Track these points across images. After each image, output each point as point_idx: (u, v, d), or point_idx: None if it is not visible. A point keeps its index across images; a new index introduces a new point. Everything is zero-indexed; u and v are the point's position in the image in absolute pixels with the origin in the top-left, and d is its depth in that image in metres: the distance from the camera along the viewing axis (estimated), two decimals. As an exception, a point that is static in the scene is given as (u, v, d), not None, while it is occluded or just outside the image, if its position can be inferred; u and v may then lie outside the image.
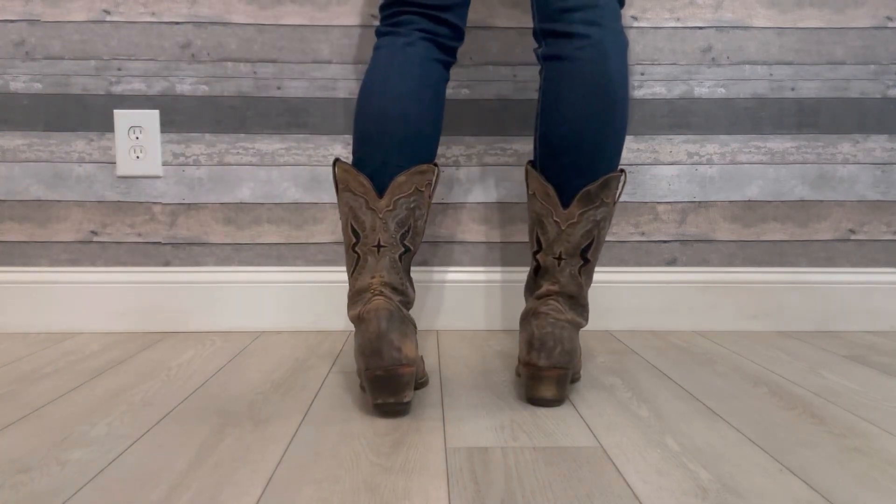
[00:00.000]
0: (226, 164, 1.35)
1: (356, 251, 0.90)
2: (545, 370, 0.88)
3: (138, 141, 1.33)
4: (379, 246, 0.89)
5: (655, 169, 1.36)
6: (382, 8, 0.98)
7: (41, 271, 1.34)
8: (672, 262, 1.38)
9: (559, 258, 0.91)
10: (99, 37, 1.32)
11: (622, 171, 0.92)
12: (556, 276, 0.91)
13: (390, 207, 0.89)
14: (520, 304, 1.36)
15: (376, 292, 0.86)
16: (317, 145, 1.35)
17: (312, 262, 1.37)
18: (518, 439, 0.78)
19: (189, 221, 1.35)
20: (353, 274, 0.91)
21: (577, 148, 0.88)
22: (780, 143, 1.37)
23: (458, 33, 0.98)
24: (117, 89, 1.33)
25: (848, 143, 1.37)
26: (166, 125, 1.34)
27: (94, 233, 1.35)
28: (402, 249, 0.91)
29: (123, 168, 1.34)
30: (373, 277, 0.88)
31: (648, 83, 1.35)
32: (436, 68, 0.95)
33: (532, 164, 0.95)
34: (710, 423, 0.84)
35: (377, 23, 1.33)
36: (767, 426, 0.83)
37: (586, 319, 0.94)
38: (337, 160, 0.92)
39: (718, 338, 1.31)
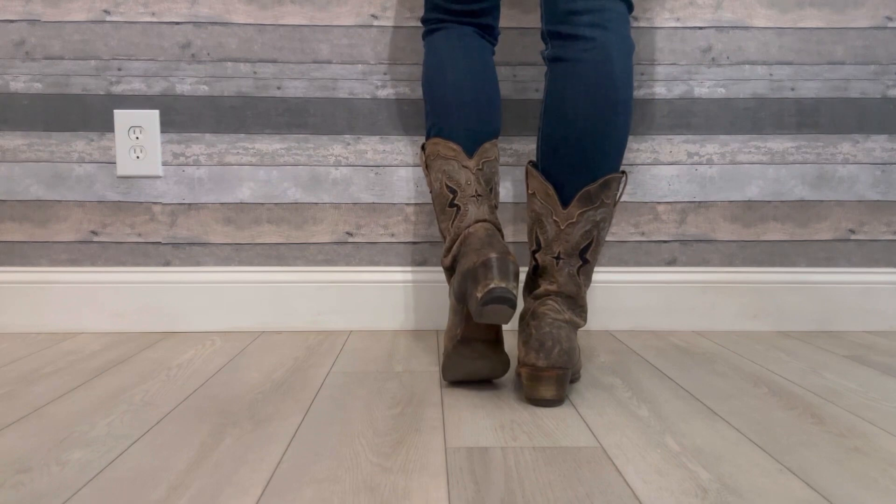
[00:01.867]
0: (226, 164, 1.35)
1: (455, 204, 0.97)
2: (544, 370, 0.88)
3: (138, 141, 1.33)
4: (477, 195, 0.96)
5: (655, 169, 1.36)
6: (425, 21, 1.09)
7: (41, 271, 1.34)
8: (672, 262, 1.38)
9: (558, 258, 0.91)
10: (99, 37, 1.32)
11: (623, 172, 0.92)
12: (555, 275, 0.92)
13: (480, 167, 0.98)
14: (520, 304, 1.36)
15: (483, 222, 0.94)
16: (317, 145, 1.35)
17: (312, 262, 1.37)
18: (518, 439, 0.78)
19: (189, 221, 1.36)
20: (453, 223, 0.97)
21: (579, 148, 0.89)
22: (780, 143, 1.37)
23: (496, 35, 1.11)
24: (117, 89, 1.33)
25: (848, 143, 1.37)
26: (166, 125, 1.34)
27: (94, 233, 1.35)
28: (495, 200, 1.01)
29: (123, 168, 1.34)
30: (476, 219, 0.95)
31: (648, 83, 1.35)
32: (489, 53, 1.06)
33: (533, 164, 0.96)
34: (710, 422, 0.84)
35: (377, 22, 1.33)
36: (767, 426, 0.83)
37: (585, 320, 0.94)
38: (423, 145, 1.03)
39: (718, 338, 1.31)
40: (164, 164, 1.35)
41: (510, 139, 1.35)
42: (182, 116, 1.34)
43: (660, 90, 1.35)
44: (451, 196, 0.97)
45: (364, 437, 0.79)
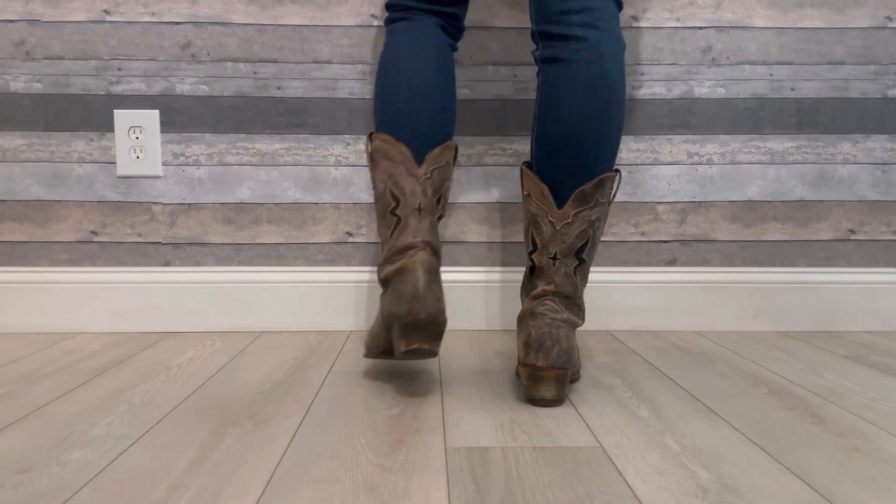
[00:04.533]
0: (226, 164, 1.35)
1: (396, 214, 0.95)
2: (544, 370, 0.88)
3: (138, 141, 1.33)
4: (420, 209, 0.94)
5: (655, 169, 1.36)
6: (390, 6, 1.04)
7: (41, 271, 1.34)
8: (672, 262, 1.38)
9: (554, 258, 0.92)
10: (99, 37, 1.32)
11: (617, 171, 0.93)
12: (552, 276, 0.92)
13: (428, 175, 0.95)
14: (519, 305, 1.36)
15: (420, 248, 0.92)
16: (317, 145, 1.35)
17: (312, 262, 1.37)
18: (518, 439, 0.78)
19: (189, 221, 1.35)
20: (392, 235, 0.96)
21: (573, 148, 0.89)
22: (780, 143, 1.37)
23: (461, 29, 1.07)
24: (117, 89, 1.33)
25: (848, 143, 1.37)
26: (166, 125, 1.34)
27: (94, 233, 1.35)
28: (438, 213, 0.98)
29: (123, 168, 1.34)
30: (415, 237, 0.93)
31: (648, 83, 1.35)
32: (449, 53, 1.02)
33: (527, 164, 0.96)
34: (710, 423, 0.84)
35: (377, 22, 1.33)
36: (767, 426, 0.83)
37: (583, 319, 0.95)
38: (371, 134, 1.00)
39: (718, 338, 1.31)
40: (164, 164, 1.35)
41: (510, 139, 1.35)
42: (182, 116, 1.34)
43: (660, 90, 1.35)
44: (394, 204, 0.95)
45: (364, 437, 0.79)
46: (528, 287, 0.96)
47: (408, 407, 0.90)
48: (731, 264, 1.38)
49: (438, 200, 0.97)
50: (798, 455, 0.74)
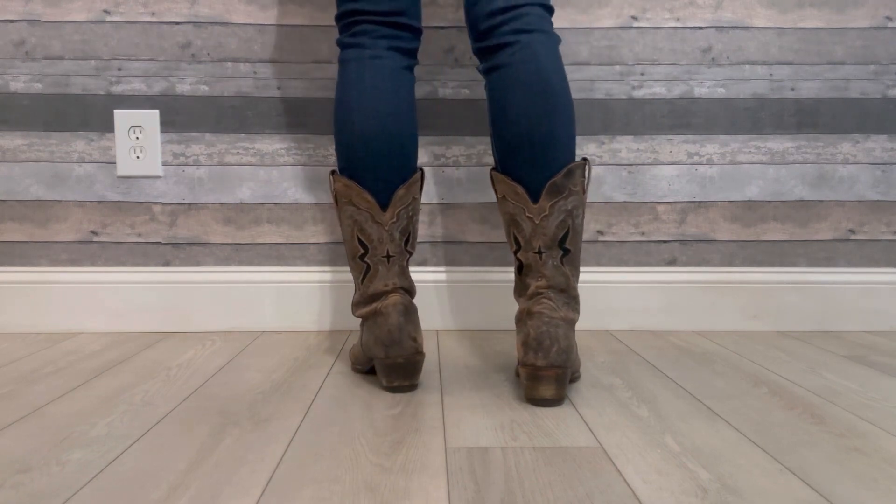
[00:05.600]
0: (226, 164, 1.35)
1: (365, 261, 0.97)
2: (543, 370, 0.88)
3: (138, 141, 1.33)
4: (388, 256, 0.97)
5: (655, 169, 1.36)
6: (339, 18, 1.01)
7: (41, 271, 1.34)
8: (672, 262, 1.38)
9: (539, 252, 0.92)
10: (99, 37, 1.32)
11: (585, 160, 0.94)
12: (541, 270, 0.92)
13: (394, 220, 0.97)
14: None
15: (392, 291, 0.96)
16: (317, 145, 1.35)
17: (312, 262, 1.37)
18: (518, 439, 0.78)
19: (189, 221, 1.36)
20: (363, 281, 0.98)
21: (530, 144, 0.91)
22: (779, 143, 1.37)
23: (417, 33, 1.02)
24: (117, 89, 1.33)
25: (848, 143, 1.37)
26: (166, 125, 1.34)
27: (94, 233, 1.35)
28: (407, 255, 1.00)
29: (123, 168, 1.34)
30: (386, 285, 0.96)
31: (648, 83, 1.35)
32: (405, 77, 0.99)
33: (495, 170, 0.97)
34: (710, 423, 0.84)
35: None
36: (767, 426, 0.83)
37: (579, 312, 0.95)
38: (333, 171, 0.99)
39: (718, 338, 1.31)
40: (164, 164, 1.35)
41: (510, 139, 1.35)
42: (182, 116, 1.34)
43: (660, 90, 1.35)
44: (362, 251, 0.97)
45: (364, 437, 0.79)
46: (520, 287, 0.97)
47: (408, 407, 0.90)
48: (731, 264, 1.38)
49: (407, 240, 0.99)
50: (798, 455, 0.74)
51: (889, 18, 1.35)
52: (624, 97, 1.35)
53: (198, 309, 1.35)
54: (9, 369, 1.08)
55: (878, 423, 0.84)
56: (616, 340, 1.28)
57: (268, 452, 0.75)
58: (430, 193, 1.36)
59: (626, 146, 1.36)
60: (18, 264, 1.35)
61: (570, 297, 0.93)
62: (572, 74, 1.34)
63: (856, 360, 1.15)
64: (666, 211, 1.37)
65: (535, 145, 0.91)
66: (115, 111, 1.33)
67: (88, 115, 1.33)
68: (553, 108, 0.91)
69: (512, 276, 1.36)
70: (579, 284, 1.36)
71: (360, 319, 1.25)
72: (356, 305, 1.00)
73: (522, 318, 0.92)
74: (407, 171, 0.97)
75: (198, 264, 1.36)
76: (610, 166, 1.36)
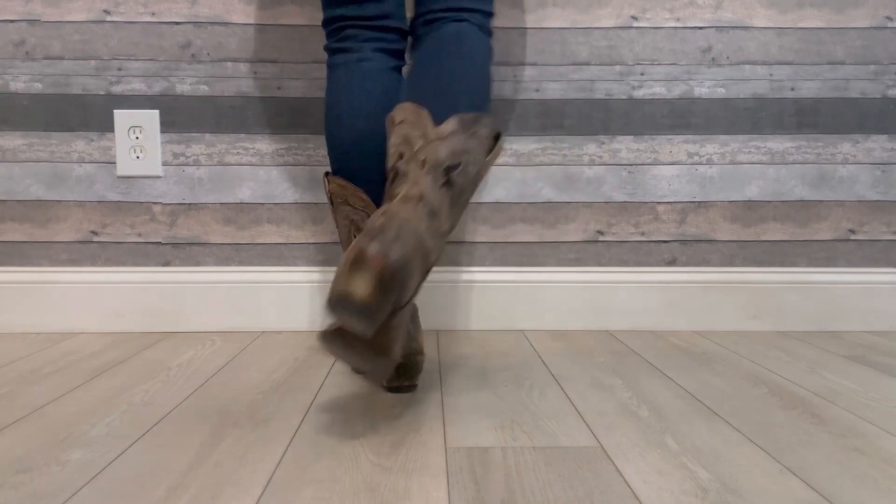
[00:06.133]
0: (226, 164, 1.35)
1: None
2: (370, 259, 0.69)
3: (138, 141, 1.33)
4: None
5: (655, 169, 1.36)
6: (325, 24, 1.02)
7: (41, 271, 1.34)
8: (672, 262, 1.38)
9: (423, 163, 0.82)
10: (99, 37, 1.32)
11: (499, 132, 0.94)
12: (418, 179, 0.79)
13: None
14: (520, 303, 1.36)
15: None
16: (317, 145, 1.35)
17: (312, 262, 1.37)
18: (518, 439, 0.78)
19: (189, 221, 1.36)
20: None
21: (441, 69, 0.90)
22: (779, 143, 1.37)
23: (403, 34, 1.03)
24: (117, 89, 1.33)
25: (848, 143, 1.37)
26: (166, 125, 1.34)
27: (94, 233, 1.35)
28: None
29: (123, 168, 1.34)
30: None
31: (648, 83, 1.35)
32: (393, 77, 1.00)
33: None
34: (710, 423, 0.84)
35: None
36: (767, 426, 0.83)
37: (438, 254, 0.81)
38: (327, 173, 0.99)
39: (718, 338, 1.31)
40: (164, 164, 1.35)
41: (510, 139, 1.35)
42: (182, 116, 1.34)
43: (660, 90, 1.35)
44: None
45: (364, 437, 0.79)
46: (384, 201, 0.85)
47: (408, 407, 0.90)
48: (731, 264, 1.38)
49: None
50: (798, 455, 0.74)
51: (889, 18, 1.35)
52: (624, 97, 1.35)
53: (198, 309, 1.35)
54: (9, 369, 1.08)
55: (878, 423, 0.84)
56: (616, 340, 1.28)
57: (268, 452, 0.75)
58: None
59: (626, 146, 1.36)
60: (18, 264, 1.35)
61: (438, 231, 0.79)
62: (572, 74, 1.34)
63: (856, 360, 1.15)
64: (666, 211, 1.37)
65: (446, 73, 0.90)
66: (115, 111, 1.33)
67: (88, 115, 1.33)
68: (469, 59, 0.92)
69: (514, 275, 1.36)
70: (577, 283, 1.36)
71: None
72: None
73: (374, 215, 0.77)
74: None
75: (198, 264, 1.36)
76: (610, 166, 1.36)
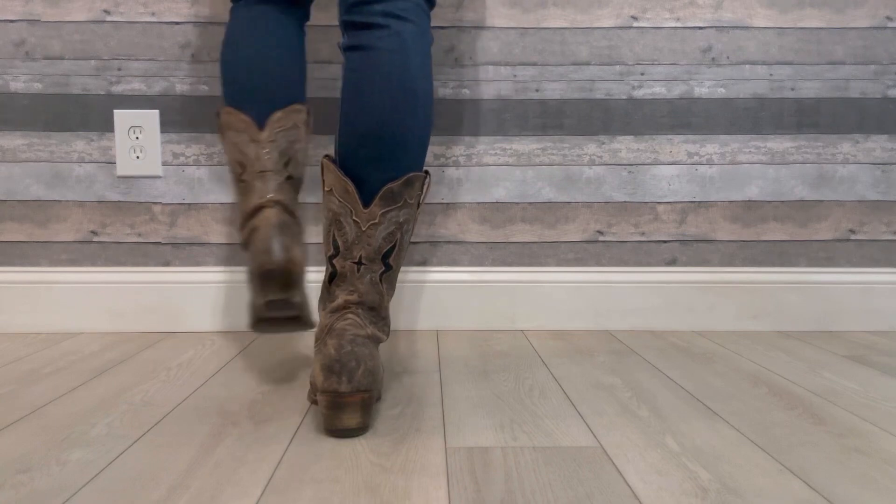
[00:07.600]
0: (226, 163, 1.35)
1: (243, 180, 0.91)
2: (348, 396, 0.78)
3: (138, 141, 1.33)
4: (264, 171, 0.90)
5: (655, 169, 1.36)
6: None
7: (41, 271, 1.34)
8: (672, 262, 1.38)
9: (359, 263, 0.86)
10: (99, 37, 1.32)
11: (427, 172, 0.90)
12: (355, 283, 0.86)
13: (271, 139, 0.92)
14: (520, 303, 1.36)
15: (268, 206, 0.88)
16: (316, 145, 1.35)
17: (312, 262, 1.37)
18: (518, 439, 0.78)
19: (189, 221, 1.36)
20: (242, 201, 0.92)
21: (378, 140, 0.86)
22: (780, 143, 1.37)
23: (308, 9, 1.02)
24: (117, 89, 1.33)
25: (848, 143, 1.37)
26: (166, 125, 1.34)
27: (94, 233, 1.35)
28: (287, 174, 0.92)
29: (123, 168, 1.34)
30: (261, 198, 0.88)
31: (648, 83, 1.35)
32: (292, 25, 0.99)
33: (330, 158, 0.91)
34: (710, 423, 0.84)
35: None
36: (767, 426, 0.83)
37: (387, 334, 0.89)
38: (219, 109, 0.97)
39: (718, 338, 1.31)
40: (164, 164, 1.35)
41: (510, 139, 1.35)
42: (182, 116, 1.34)
43: (660, 90, 1.35)
44: (240, 170, 0.92)
45: (364, 437, 0.79)
46: (326, 298, 0.89)
47: (408, 407, 0.90)
48: (731, 264, 1.38)
49: (287, 163, 0.92)
50: (798, 455, 0.74)
51: (889, 18, 1.35)
52: (624, 97, 1.35)
53: (198, 309, 1.35)
54: (9, 369, 1.08)
55: (878, 423, 0.84)
56: (616, 340, 1.28)
57: (268, 452, 0.75)
58: (430, 193, 1.36)
59: (626, 146, 1.36)
60: (18, 264, 1.35)
61: (379, 316, 0.87)
62: (572, 74, 1.34)
63: (856, 360, 1.15)
64: (666, 211, 1.37)
65: (382, 142, 0.86)
66: (114, 111, 1.33)
67: (88, 115, 1.33)
68: (413, 109, 0.87)
69: (514, 275, 1.36)
70: (577, 283, 1.36)
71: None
72: (240, 230, 0.92)
73: (323, 336, 0.84)
74: (289, 101, 0.95)
75: (198, 264, 1.36)
76: (610, 166, 1.36)
